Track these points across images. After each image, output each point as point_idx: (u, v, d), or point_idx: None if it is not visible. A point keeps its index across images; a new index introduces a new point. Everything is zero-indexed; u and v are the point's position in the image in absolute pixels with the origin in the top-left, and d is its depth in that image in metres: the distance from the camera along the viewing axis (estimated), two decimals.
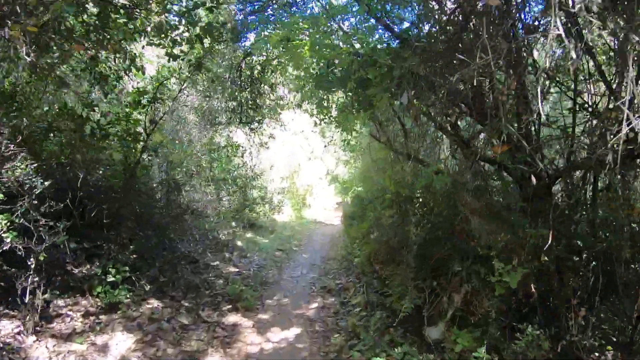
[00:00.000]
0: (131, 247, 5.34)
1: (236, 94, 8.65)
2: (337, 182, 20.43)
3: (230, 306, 5.53)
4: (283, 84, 9.41)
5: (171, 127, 8.59)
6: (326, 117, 7.27)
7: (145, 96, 4.95)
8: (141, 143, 5.30)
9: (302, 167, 17.62)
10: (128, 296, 5.04)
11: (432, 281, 4.23)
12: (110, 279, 4.97)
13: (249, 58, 8.18)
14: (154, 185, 6.69)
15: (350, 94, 5.57)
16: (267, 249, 9.24)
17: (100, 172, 5.70)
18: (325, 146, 10.99)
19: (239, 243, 8.91)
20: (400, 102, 3.04)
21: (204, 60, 4.62)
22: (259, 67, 8.46)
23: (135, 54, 4.97)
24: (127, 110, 5.16)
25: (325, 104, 6.90)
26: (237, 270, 7.12)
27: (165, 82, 5.36)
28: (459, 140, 5.27)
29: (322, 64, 5.99)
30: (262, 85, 8.93)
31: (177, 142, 7.41)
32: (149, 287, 5.11)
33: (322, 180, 19.79)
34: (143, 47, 5.09)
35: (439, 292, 4.36)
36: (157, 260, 6.22)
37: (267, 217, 12.31)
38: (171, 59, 4.72)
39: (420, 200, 4.53)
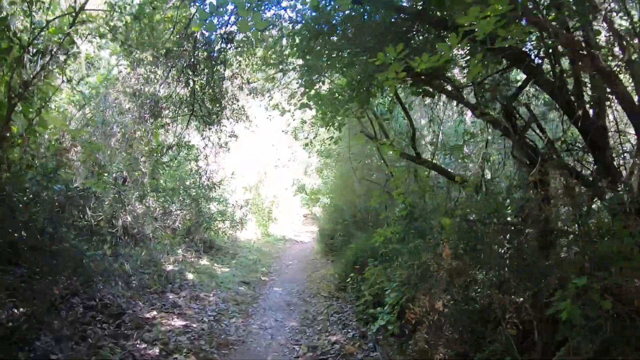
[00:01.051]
0: None
1: (189, 77, 6.47)
2: (304, 192, 18.38)
3: None
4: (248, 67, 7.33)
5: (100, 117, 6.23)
6: (313, 99, 5.16)
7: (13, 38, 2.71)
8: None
9: (268, 175, 15.41)
10: None
11: None
12: None
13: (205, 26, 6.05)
14: (55, 198, 4.36)
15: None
16: (227, 282, 6.99)
17: None
18: (304, 146, 8.93)
19: (190, 276, 6.61)
20: None
21: None
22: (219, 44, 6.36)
23: None
24: None
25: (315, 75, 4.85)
26: (185, 323, 4.86)
27: (58, 21, 3.12)
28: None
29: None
30: (224, 68, 6.81)
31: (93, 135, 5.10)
32: None
33: (287, 191, 17.75)
34: None
35: None
36: (57, 318, 3.93)
37: (227, 237, 10.03)
38: None
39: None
